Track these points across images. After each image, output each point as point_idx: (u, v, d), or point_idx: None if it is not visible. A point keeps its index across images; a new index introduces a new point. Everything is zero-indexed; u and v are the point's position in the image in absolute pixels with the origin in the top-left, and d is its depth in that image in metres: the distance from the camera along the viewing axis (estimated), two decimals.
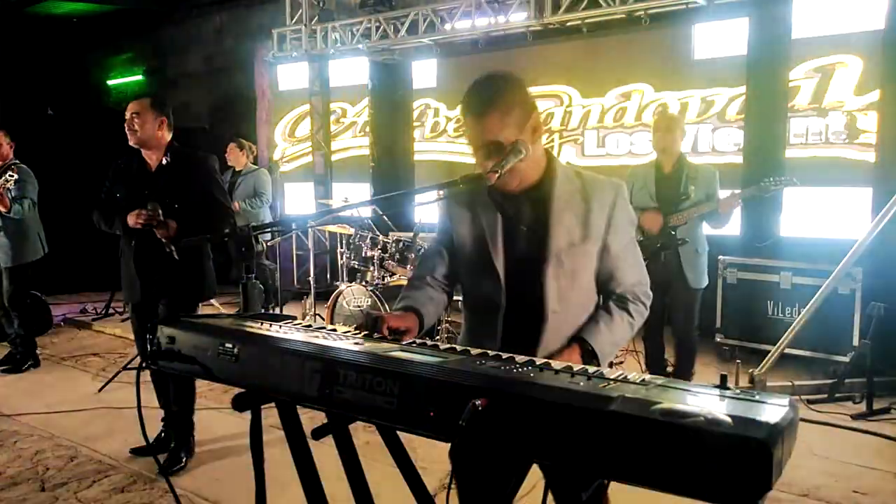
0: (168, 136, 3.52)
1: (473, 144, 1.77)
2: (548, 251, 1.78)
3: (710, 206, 4.02)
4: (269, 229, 5.69)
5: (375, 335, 1.71)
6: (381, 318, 1.74)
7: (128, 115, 3.46)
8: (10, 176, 4.93)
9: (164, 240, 3.35)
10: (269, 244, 6.61)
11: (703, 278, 4.17)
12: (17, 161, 5.23)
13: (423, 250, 5.37)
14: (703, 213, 4.04)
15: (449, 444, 1.26)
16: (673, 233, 4.07)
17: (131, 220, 3.35)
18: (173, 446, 3.60)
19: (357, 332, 1.74)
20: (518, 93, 1.75)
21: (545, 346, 1.80)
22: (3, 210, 4.95)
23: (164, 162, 3.49)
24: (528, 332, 1.80)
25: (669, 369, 4.51)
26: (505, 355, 1.51)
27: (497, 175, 1.82)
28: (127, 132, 3.46)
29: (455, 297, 2.08)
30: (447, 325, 5.34)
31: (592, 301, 1.89)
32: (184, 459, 3.56)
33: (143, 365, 1.74)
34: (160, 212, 3.34)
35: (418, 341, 1.68)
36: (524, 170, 1.76)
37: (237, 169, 6.81)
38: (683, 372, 4.27)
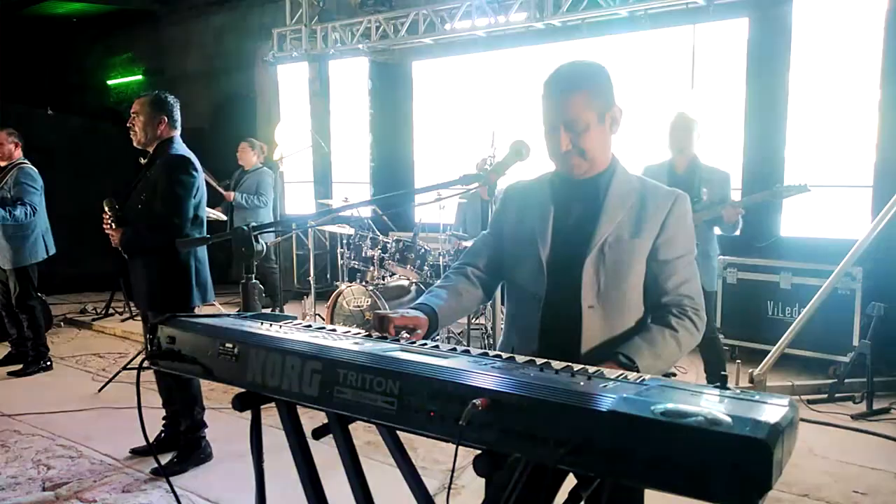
0: (168, 134, 3.47)
1: (550, 123, 1.76)
2: (592, 242, 1.75)
3: (713, 213, 3.99)
4: (269, 229, 5.70)
5: (377, 335, 1.70)
6: (387, 317, 1.74)
7: (130, 115, 3.47)
8: (6, 184, 4.93)
9: (112, 241, 3.38)
10: (269, 244, 6.61)
11: (713, 281, 4.16)
12: (25, 161, 5.20)
13: (427, 249, 5.37)
14: (708, 218, 4.02)
15: (448, 444, 1.25)
16: None
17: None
18: (179, 453, 3.57)
19: (365, 332, 1.74)
20: (605, 82, 1.76)
21: (585, 343, 1.75)
22: None
23: (144, 160, 3.50)
24: (565, 327, 1.76)
25: (677, 375, 4.48)
26: (506, 355, 1.50)
27: (497, 176, 1.83)
28: (130, 133, 3.48)
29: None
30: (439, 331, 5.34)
31: (638, 307, 1.81)
32: (185, 467, 3.53)
33: (143, 365, 1.74)
34: (108, 212, 3.35)
35: (419, 341, 1.68)
36: (598, 161, 1.77)
37: (246, 168, 6.84)
38: (714, 376, 4.23)
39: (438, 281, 1.95)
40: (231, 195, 6.70)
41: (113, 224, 3.39)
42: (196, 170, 3.45)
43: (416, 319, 1.77)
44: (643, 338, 1.71)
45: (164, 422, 3.72)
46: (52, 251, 5.35)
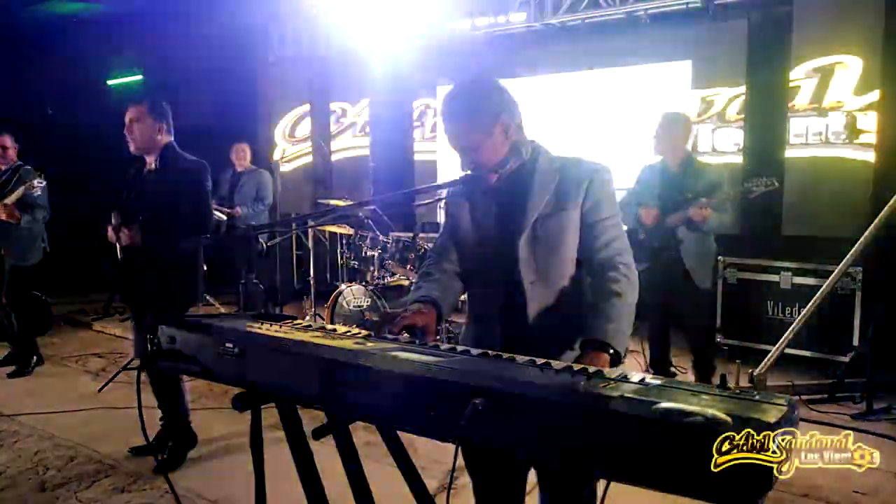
0: (166, 140, 3.49)
1: (452, 147, 1.90)
2: (522, 224, 1.85)
3: (683, 215, 3.94)
4: (269, 229, 5.70)
5: (385, 335, 1.71)
6: (396, 315, 1.76)
7: (126, 121, 3.45)
8: (38, 182, 4.94)
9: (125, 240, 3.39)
10: (269, 244, 6.61)
11: (707, 278, 4.12)
12: (24, 164, 5.20)
13: (427, 249, 5.37)
14: (682, 221, 3.97)
15: (448, 444, 1.26)
16: (673, 233, 4.03)
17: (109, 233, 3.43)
18: (171, 445, 3.60)
19: (365, 332, 1.74)
20: (481, 104, 1.84)
21: (531, 313, 1.85)
22: (13, 220, 4.91)
23: (153, 167, 3.49)
24: (515, 306, 1.86)
25: (678, 375, 4.47)
26: (506, 355, 1.51)
27: (497, 176, 1.85)
28: (127, 139, 3.47)
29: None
30: (447, 324, 5.34)
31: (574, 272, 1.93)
32: (184, 456, 3.57)
33: (142, 365, 1.74)
34: (118, 222, 3.38)
35: (418, 341, 1.68)
36: (492, 161, 1.86)
37: (238, 169, 6.79)
38: (702, 375, 4.21)
39: (420, 279, 2.00)
40: (238, 211, 6.61)
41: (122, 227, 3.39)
42: (210, 175, 3.54)
43: (427, 318, 1.83)
44: (600, 317, 1.79)
45: (161, 422, 3.72)
46: (48, 250, 5.37)
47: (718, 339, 5.35)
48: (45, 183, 5.04)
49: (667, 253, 4.06)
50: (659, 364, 4.36)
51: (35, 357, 5.38)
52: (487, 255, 1.92)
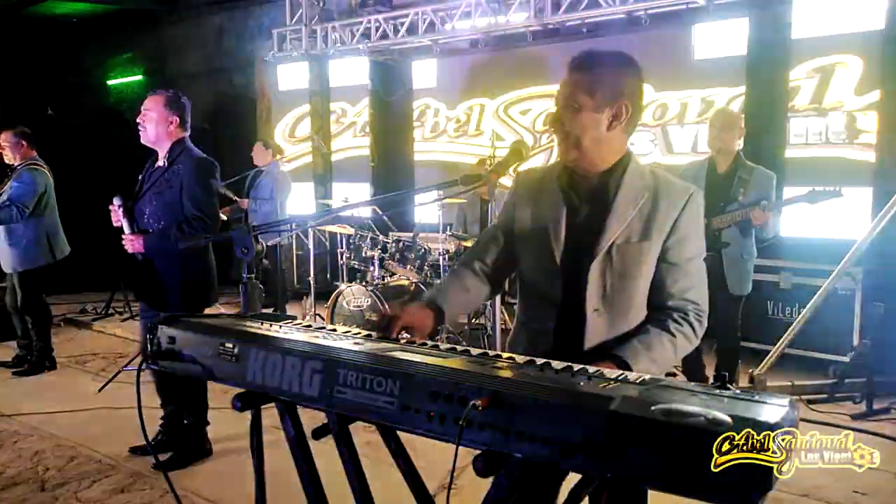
0: (178, 135, 3.45)
1: (557, 103, 1.75)
2: (599, 245, 1.70)
3: (743, 215, 3.88)
4: (268, 229, 5.70)
5: (377, 335, 1.70)
6: (395, 317, 1.73)
7: (141, 111, 3.42)
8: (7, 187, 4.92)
9: (130, 248, 3.38)
10: (270, 245, 6.61)
11: (745, 286, 4.06)
12: (35, 161, 5.14)
13: (427, 249, 5.36)
14: (739, 220, 3.91)
15: (448, 444, 1.25)
16: (717, 235, 3.93)
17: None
18: (180, 448, 3.58)
19: (365, 332, 1.73)
20: (620, 73, 1.70)
21: (588, 345, 1.73)
22: None
23: (162, 162, 3.45)
24: (572, 329, 1.74)
25: (677, 374, 4.44)
26: (506, 354, 1.50)
27: (497, 176, 1.83)
28: (139, 129, 3.43)
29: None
30: (447, 325, 5.34)
31: (643, 309, 1.77)
32: (185, 463, 3.56)
33: (143, 365, 1.74)
34: (119, 212, 3.36)
35: (418, 341, 1.68)
36: (594, 154, 1.71)
37: (260, 167, 6.84)
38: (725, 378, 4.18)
39: (445, 275, 1.95)
40: (245, 202, 6.68)
41: (127, 227, 3.38)
42: (218, 172, 3.51)
43: (423, 318, 1.76)
44: (641, 341, 1.68)
45: (161, 422, 3.72)
46: (62, 254, 5.28)
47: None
48: (20, 182, 4.94)
49: (707, 256, 4.01)
50: (692, 373, 4.25)
51: (47, 363, 5.37)
52: (549, 269, 1.76)
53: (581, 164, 1.76)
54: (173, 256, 3.31)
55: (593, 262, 1.70)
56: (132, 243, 3.38)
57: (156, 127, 3.39)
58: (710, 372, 4.48)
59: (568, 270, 1.74)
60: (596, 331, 1.72)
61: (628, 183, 1.73)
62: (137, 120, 3.43)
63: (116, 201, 3.42)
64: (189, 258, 3.33)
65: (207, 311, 3.53)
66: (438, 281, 1.97)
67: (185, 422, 3.60)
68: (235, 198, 6.59)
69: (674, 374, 4.64)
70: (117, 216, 3.42)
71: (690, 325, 1.71)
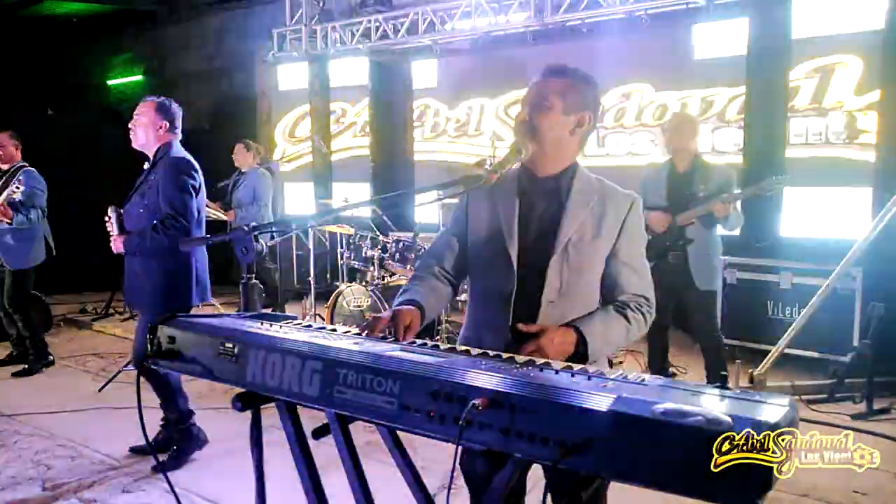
0: (165, 139, 3.49)
1: (523, 105, 1.86)
2: (557, 241, 1.82)
3: (704, 209, 3.96)
4: (268, 229, 5.70)
5: (376, 335, 1.70)
6: (379, 318, 1.75)
7: (133, 115, 3.49)
8: (16, 188, 4.92)
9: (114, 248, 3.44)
10: (269, 244, 6.61)
11: (714, 280, 4.12)
12: (26, 164, 5.17)
13: (429, 244, 5.37)
14: (701, 215, 3.99)
15: (448, 444, 1.26)
16: (681, 232, 4.02)
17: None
18: (176, 447, 3.60)
19: (358, 332, 1.74)
20: (591, 89, 1.86)
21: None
22: (6, 221, 4.89)
23: (146, 166, 3.53)
24: (525, 318, 1.81)
25: (678, 375, 4.46)
26: (506, 355, 1.51)
27: (497, 175, 1.84)
28: (131, 133, 3.50)
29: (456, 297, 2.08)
30: (447, 325, 5.34)
31: (593, 301, 1.90)
32: (184, 458, 3.57)
33: (143, 365, 1.74)
34: (112, 219, 3.42)
35: (418, 341, 1.68)
36: (552, 153, 1.84)
37: (242, 170, 6.81)
38: (714, 376, 4.20)
39: (411, 280, 1.98)
40: (232, 214, 6.64)
41: (115, 230, 3.45)
42: (196, 170, 3.51)
43: (411, 314, 1.79)
44: (601, 319, 1.81)
45: (161, 423, 3.72)
46: (54, 254, 5.35)
47: None
48: (23, 188, 4.96)
49: (674, 252, 4.05)
50: (655, 364, 4.36)
51: (44, 360, 5.37)
52: (503, 264, 1.85)
53: (537, 164, 1.88)
54: (155, 256, 3.39)
55: (552, 258, 1.82)
56: (114, 244, 3.48)
57: (145, 131, 3.47)
58: (701, 371, 4.50)
59: (523, 265, 1.84)
60: (549, 320, 1.82)
61: (579, 186, 1.87)
62: (129, 125, 3.51)
63: (110, 211, 3.49)
64: (167, 258, 3.38)
65: (201, 310, 3.55)
66: (409, 283, 1.98)
67: (170, 418, 3.61)
68: (220, 214, 6.55)
69: (674, 374, 4.65)
70: (110, 225, 3.50)
71: (643, 315, 1.87)
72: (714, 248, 4.13)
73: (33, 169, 5.16)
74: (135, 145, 3.53)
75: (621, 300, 1.86)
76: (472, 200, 1.98)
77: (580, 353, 1.73)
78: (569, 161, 1.89)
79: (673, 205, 4.08)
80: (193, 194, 3.47)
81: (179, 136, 3.57)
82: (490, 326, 1.88)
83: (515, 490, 1.93)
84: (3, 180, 5.08)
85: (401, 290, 1.95)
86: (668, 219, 4.04)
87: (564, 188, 1.87)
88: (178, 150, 3.53)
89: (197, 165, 3.53)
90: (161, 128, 3.48)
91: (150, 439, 3.58)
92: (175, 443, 3.62)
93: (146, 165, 3.54)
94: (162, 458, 3.56)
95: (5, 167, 5.15)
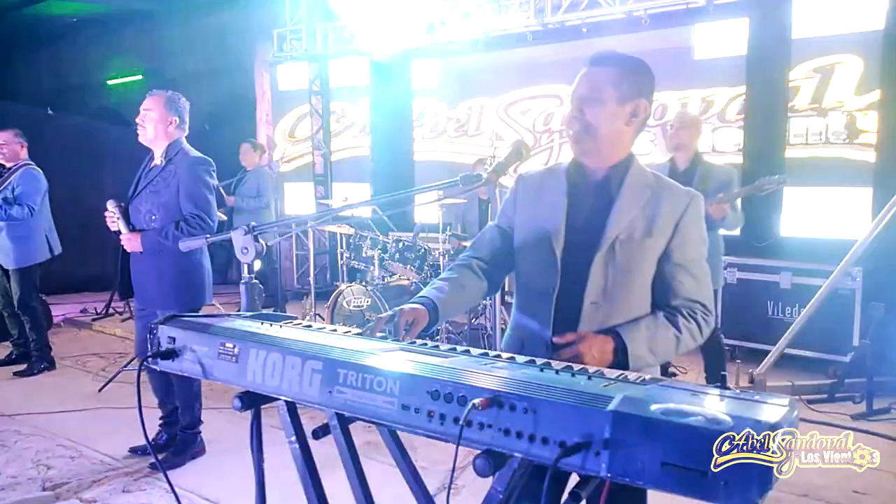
0: (176, 135, 3.46)
1: (572, 96, 1.76)
2: (603, 238, 1.72)
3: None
4: (269, 229, 5.70)
5: (376, 335, 1.70)
6: (381, 318, 1.73)
7: (140, 110, 3.42)
8: (15, 185, 4.92)
9: (128, 246, 3.39)
10: (269, 244, 6.62)
11: (716, 280, 4.13)
12: (30, 162, 5.17)
13: (427, 248, 5.37)
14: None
15: (448, 444, 1.26)
16: None
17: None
18: (176, 446, 3.60)
19: (358, 332, 1.73)
20: (642, 75, 1.75)
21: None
22: None
23: (159, 162, 3.45)
24: (569, 320, 1.74)
25: (677, 374, 4.45)
26: (506, 355, 1.50)
27: (497, 176, 1.83)
28: (137, 128, 3.44)
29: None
30: (447, 325, 5.34)
31: (641, 307, 1.77)
32: (183, 461, 3.57)
33: (142, 364, 1.74)
34: (117, 214, 3.37)
35: (419, 341, 1.68)
36: (608, 147, 1.74)
37: (248, 168, 6.87)
38: (713, 376, 4.20)
39: (443, 272, 1.93)
40: (232, 199, 6.74)
41: (123, 227, 3.39)
42: (215, 170, 3.51)
43: (414, 313, 1.73)
44: (647, 325, 1.70)
45: (160, 422, 3.72)
46: (58, 251, 5.33)
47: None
48: (26, 183, 4.97)
49: None
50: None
51: (45, 363, 5.37)
52: (546, 261, 1.76)
53: (592, 158, 1.78)
54: (169, 255, 3.32)
55: (596, 256, 1.71)
56: (130, 242, 3.39)
57: (155, 126, 3.40)
58: (701, 371, 4.50)
59: (567, 263, 1.74)
60: (591, 323, 1.72)
61: (632, 181, 1.76)
62: (137, 119, 3.44)
63: (111, 205, 3.42)
64: (184, 257, 3.32)
65: (204, 309, 3.53)
66: (438, 276, 1.93)
67: (181, 423, 3.60)
68: (224, 193, 6.64)
69: (674, 374, 4.65)
70: (112, 220, 3.43)
71: (698, 323, 1.74)
72: (715, 248, 4.10)
73: (34, 168, 5.15)
74: (143, 140, 3.45)
75: (674, 305, 1.74)
76: (522, 190, 1.89)
77: (620, 362, 1.64)
78: (624, 153, 1.78)
79: None
80: (213, 194, 3.47)
81: (186, 132, 3.52)
82: (532, 322, 1.80)
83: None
84: (4, 178, 5.09)
85: (431, 281, 1.88)
86: None
87: (616, 183, 1.75)
88: (192, 149, 3.50)
89: (214, 165, 3.51)
90: (171, 123, 3.41)
91: (150, 439, 3.59)
92: (177, 444, 3.62)
93: (158, 161, 3.44)
94: (161, 457, 3.56)
95: (9, 165, 5.15)
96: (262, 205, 6.80)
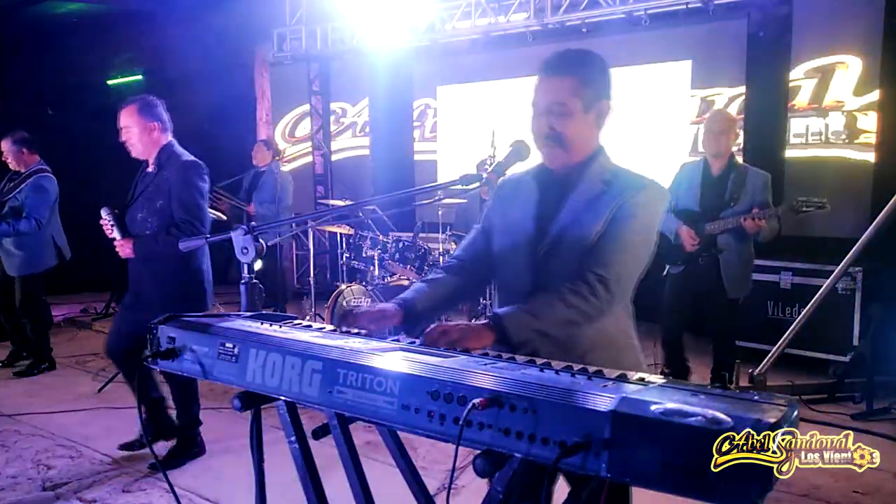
0: (164, 139, 3.42)
1: (535, 106, 1.78)
2: (547, 231, 1.77)
3: (736, 222, 3.85)
4: (268, 229, 5.71)
5: (350, 330, 1.70)
6: (352, 313, 1.73)
7: (120, 129, 3.38)
8: (23, 195, 4.91)
9: (122, 253, 3.36)
10: (270, 245, 6.62)
11: (744, 288, 4.05)
12: (43, 169, 5.11)
13: (427, 248, 5.37)
14: (730, 227, 3.89)
15: (448, 444, 1.26)
16: (712, 241, 3.94)
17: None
18: (175, 446, 3.60)
19: (358, 332, 1.73)
20: (600, 72, 1.76)
21: None
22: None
23: (152, 168, 3.44)
24: None
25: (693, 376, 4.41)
26: (506, 355, 1.51)
27: (497, 176, 1.83)
28: (127, 148, 3.42)
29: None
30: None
31: None
32: (181, 462, 3.56)
33: (142, 363, 1.74)
34: (111, 220, 3.34)
35: (418, 341, 1.68)
36: (578, 151, 1.77)
37: (261, 168, 6.82)
38: (718, 377, 4.16)
39: (428, 274, 1.96)
40: (252, 207, 6.67)
41: (118, 233, 3.37)
42: (207, 174, 3.46)
43: (382, 311, 1.76)
44: (531, 304, 1.66)
45: (145, 415, 3.65)
46: (68, 256, 5.28)
47: None
48: (32, 194, 4.94)
49: (704, 259, 3.98)
50: (674, 369, 4.23)
51: (46, 364, 5.36)
52: (517, 260, 1.82)
53: (560, 161, 1.81)
54: (162, 262, 3.31)
55: (549, 252, 1.76)
56: (122, 248, 3.37)
57: (140, 140, 3.36)
58: (703, 371, 4.49)
59: (538, 262, 1.79)
60: None
61: (588, 175, 1.78)
62: (121, 139, 3.39)
63: (104, 212, 3.39)
64: (178, 264, 3.30)
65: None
66: (417, 281, 1.94)
67: (178, 422, 3.60)
68: (241, 204, 6.58)
69: (663, 373, 4.64)
70: (108, 228, 3.40)
71: (592, 289, 1.66)
72: (746, 258, 4.03)
73: (46, 176, 5.08)
74: (135, 156, 3.44)
75: (584, 276, 1.68)
76: (500, 194, 1.93)
77: (501, 337, 1.60)
78: (589, 150, 1.81)
79: (704, 210, 3.99)
80: (206, 198, 3.43)
81: (171, 132, 3.47)
82: None
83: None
84: (16, 183, 5.05)
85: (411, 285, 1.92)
86: (692, 236, 3.93)
87: (574, 180, 1.79)
88: (184, 152, 3.46)
89: (206, 168, 3.47)
90: (154, 129, 3.37)
91: (136, 435, 3.60)
92: (176, 445, 3.60)
93: (150, 168, 3.43)
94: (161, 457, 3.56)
95: (23, 170, 5.09)
96: (283, 208, 6.75)
